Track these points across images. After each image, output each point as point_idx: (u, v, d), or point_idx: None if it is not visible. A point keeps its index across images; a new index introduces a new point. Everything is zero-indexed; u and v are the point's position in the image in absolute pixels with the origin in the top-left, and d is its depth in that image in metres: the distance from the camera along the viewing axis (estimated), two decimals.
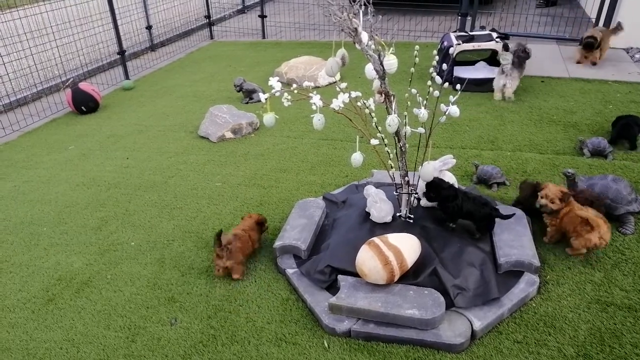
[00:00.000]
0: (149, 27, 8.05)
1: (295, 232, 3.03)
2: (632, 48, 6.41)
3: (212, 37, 8.88)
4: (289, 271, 2.85)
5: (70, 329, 2.64)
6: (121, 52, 6.63)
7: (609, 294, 2.57)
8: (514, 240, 2.80)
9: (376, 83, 2.68)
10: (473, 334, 2.36)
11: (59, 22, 6.57)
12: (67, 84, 6.55)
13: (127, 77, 6.79)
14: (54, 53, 6.51)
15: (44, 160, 4.61)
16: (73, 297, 2.86)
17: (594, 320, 2.43)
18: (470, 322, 2.39)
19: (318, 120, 2.57)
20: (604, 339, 2.33)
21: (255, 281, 2.86)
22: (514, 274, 2.66)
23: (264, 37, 8.55)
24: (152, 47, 8.24)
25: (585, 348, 2.29)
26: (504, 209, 3.09)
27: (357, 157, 2.70)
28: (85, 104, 5.60)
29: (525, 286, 2.58)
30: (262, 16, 8.44)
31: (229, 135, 4.73)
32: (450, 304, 2.48)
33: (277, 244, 2.96)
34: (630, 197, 3.06)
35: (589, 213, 2.78)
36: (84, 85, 5.64)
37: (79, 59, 7.01)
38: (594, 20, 6.91)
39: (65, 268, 3.11)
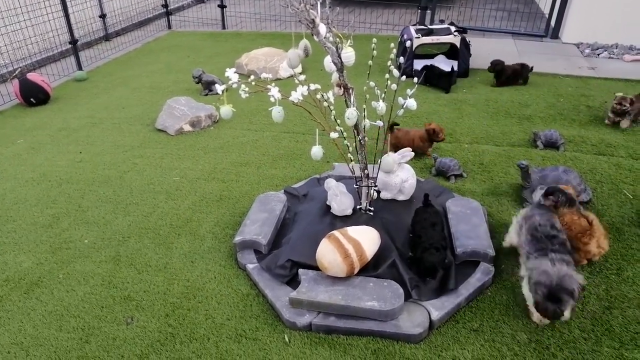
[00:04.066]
0: (102, 16, 7.75)
1: (256, 227, 2.99)
2: (582, 43, 6.67)
3: (169, 27, 8.64)
4: (250, 266, 2.81)
5: (18, 331, 2.52)
6: (73, 41, 6.36)
7: None
8: (471, 231, 2.86)
9: (335, 76, 2.66)
10: (431, 324, 2.41)
11: (4, 9, 6.21)
12: (15, 74, 6.23)
13: (79, 67, 6.52)
14: None
15: None
16: (22, 298, 2.73)
17: None
18: (428, 312, 2.43)
19: (277, 112, 2.54)
20: (554, 324, 2.42)
21: (215, 277, 2.81)
22: (471, 263, 2.72)
23: (224, 27, 8.39)
24: (107, 37, 7.94)
25: (538, 334, 2.37)
26: (460, 201, 3.16)
27: (316, 151, 2.69)
28: (34, 96, 5.33)
29: (481, 275, 2.65)
30: (222, 6, 8.27)
31: (187, 128, 4.62)
32: (409, 295, 2.52)
33: (237, 239, 2.92)
34: (580, 188, 3.18)
35: (585, 221, 2.67)
36: (32, 76, 5.37)
37: (27, 48, 6.67)
38: (547, 15, 7.14)
39: (13, 268, 2.96)
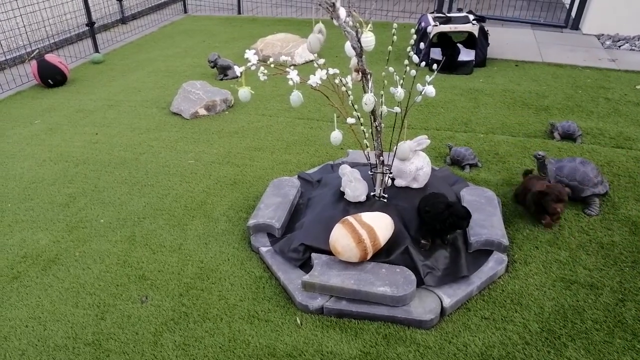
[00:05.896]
0: None
1: (270, 211, 3.01)
2: (603, 35, 6.54)
3: (186, 11, 8.63)
4: (263, 249, 2.84)
5: (36, 306, 2.58)
6: (90, 23, 6.39)
7: (573, 273, 2.66)
8: (485, 220, 2.85)
9: (354, 61, 2.65)
10: (442, 311, 2.41)
11: None
12: (33, 55, 6.29)
13: (96, 50, 6.56)
14: (17, 22, 6.22)
15: (8, 134, 4.43)
16: (39, 274, 2.79)
17: (558, 298, 2.51)
18: (440, 299, 2.44)
19: (296, 96, 2.53)
20: (567, 315, 2.41)
21: (228, 259, 2.84)
22: (484, 252, 2.72)
23: (239, 12, 8.36)
24: (123, 20, 7.97)
25: (549, 324, 2.37)
26: (475, 190, 3.15)
27: (336, 135, 2.68)
28: (52, 77, 5.38)
29: (494, 265, 2.64)
30: None
31: (202, 112, 4.64)
32: (421, 282, 2.52)
33: (251, 222, 2.94)
34: (597, 180, 3.15)
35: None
36: (50, 57, 5.41)
37: (45, 29, 6.72)
38: (567, 6, 7.00)
39: (31, 245, 3.02)
